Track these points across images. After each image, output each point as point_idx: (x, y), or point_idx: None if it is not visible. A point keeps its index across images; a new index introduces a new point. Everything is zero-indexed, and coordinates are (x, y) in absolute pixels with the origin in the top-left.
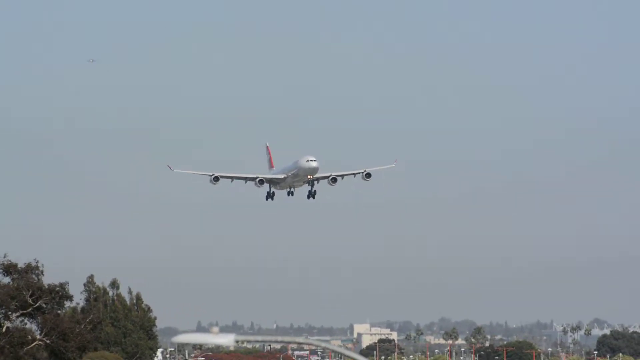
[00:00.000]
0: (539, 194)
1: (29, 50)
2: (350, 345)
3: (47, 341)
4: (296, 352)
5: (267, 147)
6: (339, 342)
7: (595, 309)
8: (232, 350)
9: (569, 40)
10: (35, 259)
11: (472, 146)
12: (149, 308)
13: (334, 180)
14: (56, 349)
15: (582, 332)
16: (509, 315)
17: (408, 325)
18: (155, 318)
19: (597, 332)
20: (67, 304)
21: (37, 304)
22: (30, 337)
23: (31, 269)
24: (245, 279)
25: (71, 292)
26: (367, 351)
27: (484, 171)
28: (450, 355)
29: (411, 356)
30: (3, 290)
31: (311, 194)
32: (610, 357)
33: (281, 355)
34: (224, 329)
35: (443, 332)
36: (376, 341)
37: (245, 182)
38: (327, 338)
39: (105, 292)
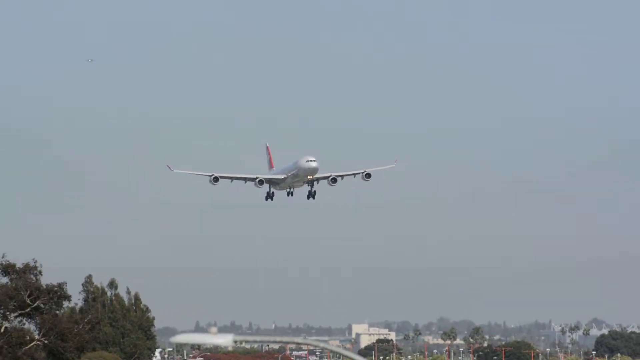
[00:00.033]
0: (539, 194)
1: (29, 50)
2: (348, 346)
3: (46, 341)
4: (295, 353)
5: (267, 148)
6: (337, 343)
7: (594, 309)
8: (231, 350)
9: (569, 40)
10: (33, 259)
11: (472, 146)
12: (147, 308)
13: (334, 180)
14: (54, 349)
15: (580, 332)
16: (507, 316)
17: (406, 325)
18: (154, 318)
19: (595, 332)
20: (66, 304)
21: (35, 304)
22: (28, 338)
23: (29, 269)
24: (245, 279)
25: (70, 293)
26: (366, 351)
27: (484, 171)
28: (449, 355)
29: (409, 356)
30: (1, 291)
31: (311, 194)
32: (608, 357)
33: (280, 356)
34: (223, 329)
35: (441, 332)
36: (374, 341)
37: (245, 182)
38: (326, 338)
39: (103, 292)
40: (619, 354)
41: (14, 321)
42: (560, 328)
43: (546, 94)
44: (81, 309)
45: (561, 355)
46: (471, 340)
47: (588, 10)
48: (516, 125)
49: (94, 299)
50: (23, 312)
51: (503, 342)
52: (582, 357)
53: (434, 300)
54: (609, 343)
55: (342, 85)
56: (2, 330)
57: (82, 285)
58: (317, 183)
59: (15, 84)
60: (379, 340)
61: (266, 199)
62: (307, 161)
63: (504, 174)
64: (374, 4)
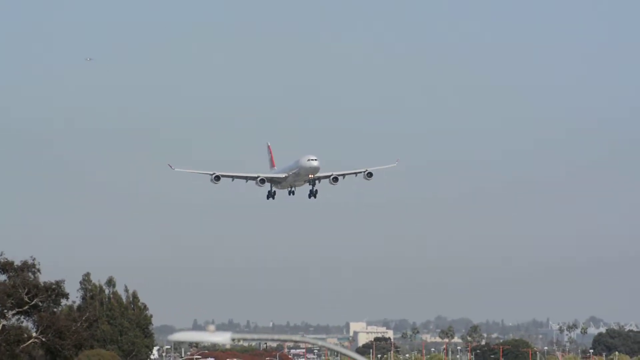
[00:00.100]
0: (539, 194)
1: (29, 50)
2: (346, 344)
3: (43, 339)
4: (292, 351)
5: (269, 147)
6: (335, 341)
7: (592, 308)
8: (229, 348)
9: (569, 40)
10: (31, 257)
11: (472, 146)
12: (145, 306)
13: (336, 179)
14: (52, 346)
15: (578, 330)
16: (505, 314)
17: (404, 324)
18: (152, 316)
19: (593, 330)
20: (64, 302)
21: (33, 302)
22: (26, 335)
23: (27, 267)
24: (245, 279)
25: (68, 291)
26: (363, 349)
27: (484, 171)
28: (447, 354)
29: (407, 354)
30: None
31: (312, 194)
32: (606, 355)
33: (277, 354)
34: (220, 327)
35: (439, 330)
36: (372, 339)
37: (246, 181)
38: (324, 336)
39: (101, 290)
40: (616, 353)
41: (12, 319)
42: (558, 326)
43: (546, 94)
44: (79, 307)
45: (559, 353)
46: (469, 338)
47: (588, 10)
48: (516, 125)
49: (91, 297)
50: (21, 309)
51: (501, 341)
52: (580, 356)
53: (432, 299)
54: (606, 341)
55: (342, 85)
56: (0, 328)
57: (80, 283)
58: (319, 182)
59: (15, 84)
60: (376, 339)
61: (267, 198)
62: (309, 160)
63: (504, 174)
64: (374, 4)
